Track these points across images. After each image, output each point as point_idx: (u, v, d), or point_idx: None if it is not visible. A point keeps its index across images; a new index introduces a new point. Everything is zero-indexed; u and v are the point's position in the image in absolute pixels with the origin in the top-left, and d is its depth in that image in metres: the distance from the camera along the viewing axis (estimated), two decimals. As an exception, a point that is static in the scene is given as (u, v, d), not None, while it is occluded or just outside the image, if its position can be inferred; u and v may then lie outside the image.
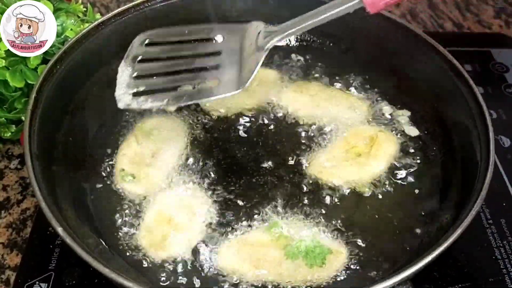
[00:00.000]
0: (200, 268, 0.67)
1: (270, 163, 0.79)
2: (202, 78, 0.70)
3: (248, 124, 0.84)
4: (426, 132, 0.83)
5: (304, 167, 0.78)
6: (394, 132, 0.83)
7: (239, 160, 0.79)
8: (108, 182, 0.75)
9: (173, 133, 0.81)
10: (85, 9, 0.90)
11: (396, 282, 0.56)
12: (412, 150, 0.81)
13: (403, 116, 0.85)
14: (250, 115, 0.85)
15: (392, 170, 0.78)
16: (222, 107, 0.85)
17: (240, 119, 0.84)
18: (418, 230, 0.71)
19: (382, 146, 0.80)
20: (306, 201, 0.74)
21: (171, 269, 0.67)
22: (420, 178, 0.78)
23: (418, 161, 0.80)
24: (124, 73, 0.71)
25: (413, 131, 0.82)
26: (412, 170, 0.79)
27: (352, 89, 0.90)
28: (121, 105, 0.67)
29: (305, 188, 0.76)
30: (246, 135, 0.83)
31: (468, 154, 0.73)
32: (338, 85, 0.91)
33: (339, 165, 0.78)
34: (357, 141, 0.81)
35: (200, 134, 0.82)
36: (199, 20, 0.93)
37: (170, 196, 0.73)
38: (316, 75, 0.92)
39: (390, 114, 0.86)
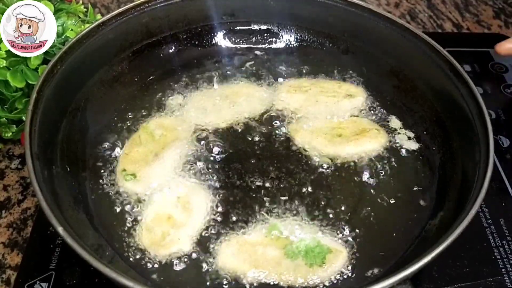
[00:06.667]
0: (199, 268, 0.67)
1: (270, 164, 0.79)
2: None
3: (248, 129, 0.84)
4: (425, 132, 0.83)
5: (305, 165, 0.79)
6: (387, 131, 0.84)
7: (240, 161, 0.79)
8: (109, 182, 0.76)
9: (176, 134, 0.81)
10: (85, 9, 0.91)
11: (395, 282, 0.56)
12: (410, 150, 0.82)
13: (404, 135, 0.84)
14: (249, 122, 0.85)
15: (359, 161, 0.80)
16: (219, 119, 0.85)
17: (240, 126, 0.84)
18: (417, 230, 0.72)
19: (366, 140, 0.80)
20: (306, 201, 0.74)
21: (171, 268, 0.67)
22: (419, 177, 0.78)
23: (418, 160, 0.80)
24: None
25: (412, 145, 0.83)
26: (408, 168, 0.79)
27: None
28: None
29: (306, 188, 0.76)
30: (247, 138, 0.83)
31: (467, 154, 0.73)
32: (329, 75, 0.92)
33: (315, 132, 0.81)
34: (347, 127, 0.82)
35: (202, 136, 0.82)
36: (200, 20, 0.94)
37: (171, 196, 0.73)
38: (311, 74, 0.93)
39: (387, 118, 0.86)
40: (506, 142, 0.93)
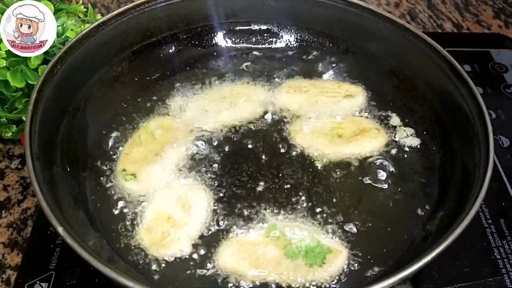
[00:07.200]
0: (199, 268, 0.67)
1: (270, 164, 0.79)
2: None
3: (248, 130, 0.84)
4: (425, 132, 0.83)
5: (305, 165, 0.79)
6: (386, 130, 0.84)
7: (240, 161, 0.79)
8: (109, 182, 0.76)
9: (176, 134, 0.81)
10: (85, 9, 0.91)
11: (395, 282, 0.56)
12: (411, 149, 0.82)
13: (404, 130, 0.84)
14: (249, 123, 0.85)
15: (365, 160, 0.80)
16: (219, 120, 0.85)
17: (240, 126, 0.84)
18: (417, 230, 0.72)
19: (366, 140, 0.81)
20: (307, 201, 0.74)
21: (171, 268, 0.67)
22: (419, 177, 0.78)
23: (418, 160, 0.80)
24: None
25: (413, 141, 0.83)
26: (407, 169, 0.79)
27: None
28: None
29: (307, 188, 0.76)
30: (246, 139, 0.83)
31: (467, 154, 0.73)
32: (328, 75, 0.92)
33: (315, 132, 0.81)
34: (347, 127, 0.83)
35: (202, 136, 0.82)
36: (200, 20, 0.94)
37: (171, 196, 0.73)
38: (311, 74, 0.93)
39: (387, 116, 0.86)
40: (506, 142, 0.93)
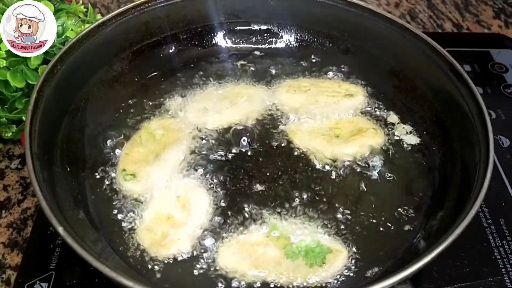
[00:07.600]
0: (199, 268, 0.67)
1: (269, 164, 0.79)
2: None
3: (248, 130, 0.84)
4: (425, 132, 0.83)
5: (304, 165, 0.79)
6: (385, 131, 0.84)
7: (240, 161, 0.79)
8: (109, 182, 0.76)
9: (177, 134, 0.81)
10: (85, 9, 0.91)
11: (395, 282, 0.56)
12: (410, 148, 0.82)
13: (403, 128, 0.85)
14: (249, 123, 0.85)
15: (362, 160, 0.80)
16: (220, 120, 0.85)
17: (240, 126, 0.84)
18: (417, 230, 0.72)
19: (364, 139, 0.81)
20: (306, 202, 0.74)
21: (171, 268, 0.67)
22: (419, 177, 0.78)
23: (417, 160, 0.80)
24: None
25: (412, 139, 0.83)
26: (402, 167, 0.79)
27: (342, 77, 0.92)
28: None
29: (306, 188, 0.76)
30: (246, 139, 0.83)
31: (467, 154, 0.73)
32: (328, 74, 0.92)
33: (313, 133, 0.82)
34: (345, 127, 0.83)
35: (202, 136, 0.82)
36: (200, 20, 0.94)
37: (171, 196, 0.73)
38: (311, 74, 0.93)
39: (386, 115, 0.86)
40: (506, 142, 0.93)
